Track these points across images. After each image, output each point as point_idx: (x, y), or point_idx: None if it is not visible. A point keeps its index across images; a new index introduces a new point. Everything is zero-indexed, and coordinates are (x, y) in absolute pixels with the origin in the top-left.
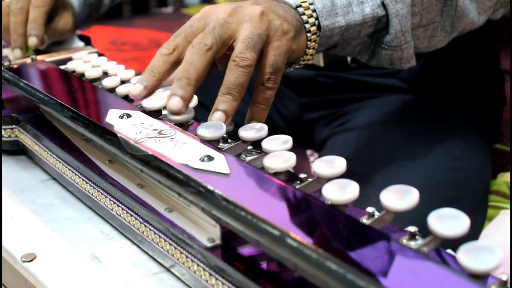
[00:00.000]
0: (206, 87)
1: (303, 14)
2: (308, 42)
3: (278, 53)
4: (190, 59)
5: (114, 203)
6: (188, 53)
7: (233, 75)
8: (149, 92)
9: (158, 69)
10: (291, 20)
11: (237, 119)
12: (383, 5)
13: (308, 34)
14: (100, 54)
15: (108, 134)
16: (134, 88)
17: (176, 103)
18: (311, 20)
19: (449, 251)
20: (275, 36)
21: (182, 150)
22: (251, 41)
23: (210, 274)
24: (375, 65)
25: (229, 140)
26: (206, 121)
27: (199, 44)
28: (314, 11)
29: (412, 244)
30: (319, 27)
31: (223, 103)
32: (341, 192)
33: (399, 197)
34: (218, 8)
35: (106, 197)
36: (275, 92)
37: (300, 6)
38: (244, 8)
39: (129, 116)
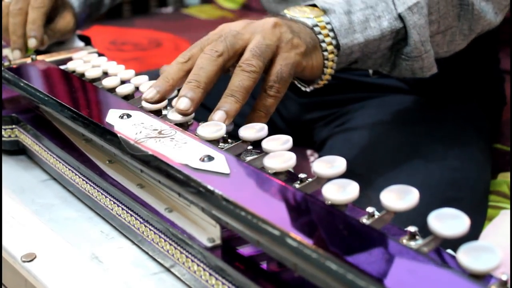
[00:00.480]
0: None
1: (319, 33)
2: (326, 61)
3: (285, 63)
4: (200, 63)
5: (114, 203)
6: (200, 59)
7: (237, 79)
8: (162, 97)
9: (172, 76)
10: (304, 37)
11: (237, 120)
12: (400, 17)
13: (325, 53)
14: (100, 54)
15: (108, 134)
16: (147, 92)
17: (184, 103)
18: (328, 39)
19: (449, 251)
20: (285, 47)
21: (182, 150)
22: (258, 50)
23: (210, 274)
24: (397, 76)
25: (229, 140)
26: (206, 121)
27: (210, 50)
28: (331, 30)
29: (412, 244)
30: (337, 46)
31: (226, 103)
32: (341, 192)
33: (399, 197)
34: (234, 23)
35: (106, 197)
36: (276, 102)
37: (316, 25)
38: (258, 21)
39: (129, 116)
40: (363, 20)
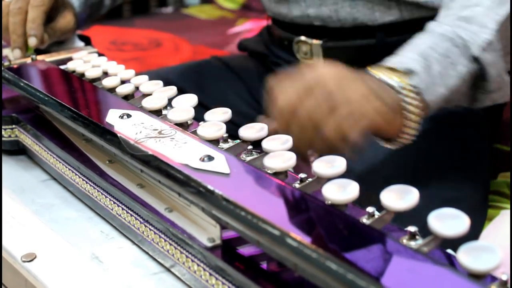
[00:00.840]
0: (206, 87)
1: (406, 96)
2: (405, 121)
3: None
4: (301, 131)
5: (114, 203)
6: (299, 126)
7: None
8: None
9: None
10: (387, 102)
11: (238, 119)
12: (475, 58)
13: (409, 115)
14: (100, 54)
15: (108, 134)
16: None
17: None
18: (415, 102)
19: (449, 251)
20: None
21: (182, 150)
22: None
23: (210, 274)
24: (477, 107)
25: (229, 140)
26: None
27: (309, 118)
28: (417, 93)
29: (412, 244)
30: (423, 106)
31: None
32: (341, 192)
33: (399, 197)
34: (339, 94)
35: (106, 197)
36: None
37: (404, 88)
38: (360, 106)
39: (129, 116)
40: (442, 71)
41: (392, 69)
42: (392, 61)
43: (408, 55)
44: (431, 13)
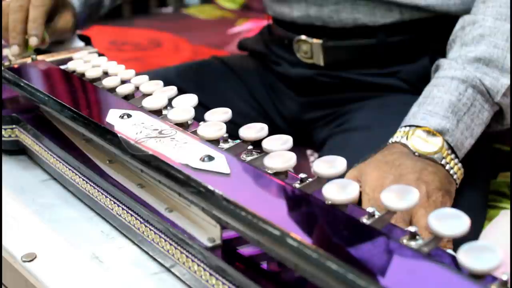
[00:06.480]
0: (206, 87)
1: (447, 163)
2: (454, 176)
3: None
4: None
5: (114, 203)
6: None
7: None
8: None
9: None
10: (444, 187)
11: (238, 119)
12: (496, 103)
13: (453, 175)
14: (100, 54)
15: (109, 134)
16: None
17: None
18: (453, 163)
19: (449, 251)
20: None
21: (183, 150)
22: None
23: (211, 274)
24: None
25: (229, 140)
26: (206, 121)
27: None
28: (453, 152)
29: (413, 244)
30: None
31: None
32: (341, 192)
33: (399, 197)
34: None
35: (106, 197)
36: None
37: (443, 158)
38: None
39: (129, 116)
40: (470, 124)
41: (426, 132)
42: (422, 118)
43: (437, 110)
44: (432, 15)
